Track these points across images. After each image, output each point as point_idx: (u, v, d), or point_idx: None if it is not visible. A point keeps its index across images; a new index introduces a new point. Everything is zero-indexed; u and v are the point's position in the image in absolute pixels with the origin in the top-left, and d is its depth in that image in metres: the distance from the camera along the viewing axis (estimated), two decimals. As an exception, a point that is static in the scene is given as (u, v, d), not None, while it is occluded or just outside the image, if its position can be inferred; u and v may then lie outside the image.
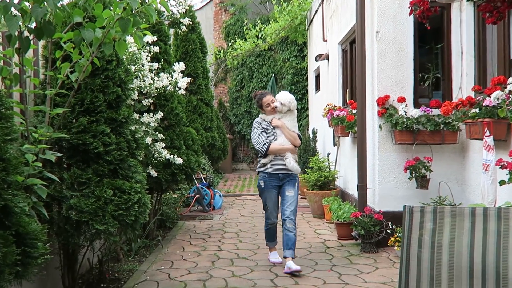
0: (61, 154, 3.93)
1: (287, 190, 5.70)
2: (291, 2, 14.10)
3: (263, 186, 5.76)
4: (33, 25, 3.16)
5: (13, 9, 2.91)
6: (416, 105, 6.50)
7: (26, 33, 3.16)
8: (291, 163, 5.64)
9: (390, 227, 6.32)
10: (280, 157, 5.69)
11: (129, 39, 5.45)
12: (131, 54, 5.87)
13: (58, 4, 3.04)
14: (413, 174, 6.16)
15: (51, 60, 3.94)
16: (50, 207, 4.19)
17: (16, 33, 3.04)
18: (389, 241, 6.09)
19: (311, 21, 13.06)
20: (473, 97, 5.48)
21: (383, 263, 5.85)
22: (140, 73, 6.08)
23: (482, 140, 4.73)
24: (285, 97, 5.73)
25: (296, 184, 5.78)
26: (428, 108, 6.16)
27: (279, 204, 5.84)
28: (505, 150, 4.89)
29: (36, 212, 3.17)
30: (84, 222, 4.15)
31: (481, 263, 2.29)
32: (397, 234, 6.01)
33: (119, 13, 3.36)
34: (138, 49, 5.93)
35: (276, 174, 5.70)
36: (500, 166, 4.36)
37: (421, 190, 6.20)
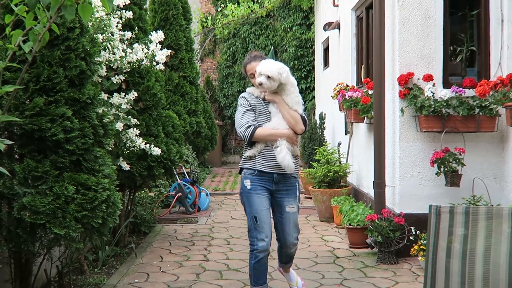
0: (12, 142, 3.89)
1: (287, 204, 4.91)
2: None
3: (248, 188, 4.81)
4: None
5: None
6: (446, 84, 6.50)
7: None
8: (282, 154, 4.69)
9: (413, 232, 6.34)
10: (271, 149, 4.78)
11: (96, 1, 5.41)
12: (98, 20, 5.85)
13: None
14: (442, 169, 6.17)
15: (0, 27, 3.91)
16: (-1, 207, 4.19)
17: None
18: (412, 249, 6.11)
19: (319, -19, 13.03)
20: (516, 75, 5.49)
21: (404, 277, 5.88)
22: (109, 43, 6.05)
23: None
24: (270, 68, 4.71)
25: (298, 194, 5.02)
26: (461, 89, 6.17)
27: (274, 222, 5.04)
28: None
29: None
30: (40, 225, 4.15)
31: (522, 276, 2.30)
32: (421, 241, 6.03)
33: (83, -31, 3.34)
34: (106, 14, 5.90)
35: (268, 174, 4.80)
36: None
37: (451, 188, 6.22)
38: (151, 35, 6.73)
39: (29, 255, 4.55)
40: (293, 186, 4.96)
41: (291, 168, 4.76)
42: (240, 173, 4.96)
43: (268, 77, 4.71)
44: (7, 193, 4.15)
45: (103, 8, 5.61)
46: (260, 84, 4.75)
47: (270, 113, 4.89)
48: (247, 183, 4.83)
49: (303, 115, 4.95)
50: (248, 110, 4.86)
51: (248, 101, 4.90)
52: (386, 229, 6.29)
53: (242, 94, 5.01)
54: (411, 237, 6.35)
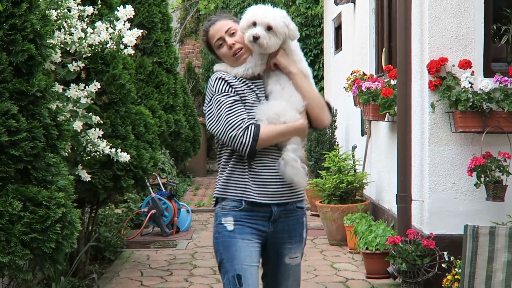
0: None
1: (288, 253, 3.83)
2: None
3: (230, 230, 3.70)
4: None
5: None
6: (488, 73, 6.52)
7: None
8: (295, 165, 3.67)
9: (446, 259, 6.35)
10: (274, 154, 3.73)
11: (48, -31, 5.42)
12: (50, -8, 5.85)
13: None
14: (482, 179, 6.17)
15: None
16: None
17: None
18: (445, 280, 6.12)
19: None
20: None
21: (435, 314, 5.89)
22: (65, 21, 6.06)
23: None
24: (273, 14, 3.73)
25: (305, 235, 3.97)
26: (506, 78, 6.20)
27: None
28: None
29: None
30: (-21, 250, 4.15)
31: None
32: (456, 269, 6.05)
33: None
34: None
35: (264, 207, 3.71)
36: None
37: (493, 202, 6.23)
38: (117, 10, 6.74)
39: (-36, 288, 4.56)
40: (299, 223, 3.86)
41: (304, 185, 3.81)
42: (215, 205, 3.84)
43: (269, 28, 3.64)
44: None
45: (57, -23, 5.61)
46: (256, 39, 3.62)
47: (265, 98, 3.78)
48: (228, 222, 3.69)
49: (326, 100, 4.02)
50: (236, 100, 3.67)
51: (230, 84, 3.70)
52: (412, 254, 6.31)
53: (218, 74, 3.76)
54: (443, 265, 6.36)
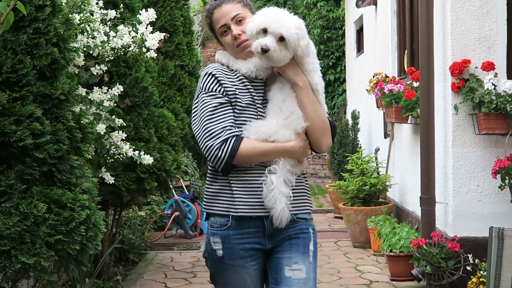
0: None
1: (288, 263, 3.20)
2: None
3: (219, 256, 3.21)
4: None
5: None
6: (511, 74, 6.49)
7: None
8: (275, 191, 3.10)
9: (471, 261, 6.31)
10: (259, 171, 3.19)
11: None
12: (74, -4, 5.88)
13: None
14: (507, 181, 6.13)
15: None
16: (-48, 230, 4.22)
17: None
18: (470, 283, 6.08)
19: None
20: None
21: (459, 317, 5.86)
22: (88, 25, 6.08)
23: None
24: (287, 23, 3.14)
25: (314, 247, 3.31)
26: (530, 80, 6.16)
27: None
28: None
29: None
30: (4, 252, 4.17)
31: None
32: (481, 272, 6.00)
33: None
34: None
35: (255, 221, 3.18)
36: None
37: (518, 204, 6.20)
38: (140, 14, 6.76)
39: (-11, 290, 4.59)
40: (303, 232, 3.26)
41: (284, 221, 3.12)
42: (206, 219, 3.39)
43: (281, 38, 3.09)
44: (-38, 212, 4.19)
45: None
46: (265, 51, 3.07)
47: (265, 103, 3.26)
48: (217, 245, 3.20)
49: (330, 119, 3.43)
50: (222, 103, 3.15)
51: (220, 82, 3.18)
52: (437, 257, 6.28)
53: (211, 68, 3.26)
54: (468, 267, 6.31)
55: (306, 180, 3.44)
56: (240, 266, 3.15)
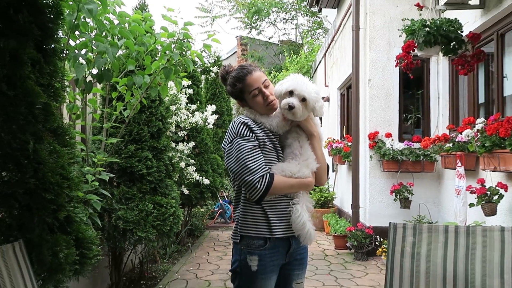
0: (113, 175, 3.98)
1: (296, 279, 2.40)
2: (299, 54, 14.25)
3: (254, 270, 2.25)
4: (95, 71, 3.26)
5: (80, 58, 3.02)
6: (401, 139, 6.49)
7: (89, 78, 3.26)
8: (303, 218, 2.26)
9: (378, 239, 6.25)
10: (286, 201, 2.29)
11: (170, 83, 5.54)
12: (171, 95, 5.96)
13: (116, 55, 3.14)
14: (398, 196, 6.10)
15: (108, 99, 4.03)
16: (102, 217, 4.23)
17: (82, 78, 3.13)
18: (377, 251, 6.02)
19: (316, 70, 13.16)
20: (448, 134, 5.47)
21: (372, 270, 5.76)
22: (179, 111, 6.16)
23: (455, 169, 4.72)
24: (309, 88, 2.34)
25: (306, 264, 2.48)
26: (411, 142, 6.15)
27: None
28: (474, 178, 4.85)
29: (92, 221, 3.21)
30: (129, 230, 4.18)
31: (452, 271, 2.28)
32: (384, 245, 5.94)
33: (164, 63, 3.46)
34: (177, 91, 6.03)
35: (284, 241, 2.30)
36: (469, 192, 4.33)
37: (404, 209, 6.13)
38: (207, 107, 6.80)
39: (121, 250, 4.57)
40: (306, 251, 2.44)
41: (312, 239, 2.30)
42: (238, 242, 2.29)
43: (303, 99, 2.30)
44: (108, 208, 4.20)
45: (175, 87, 5.73)
46: (291, 108, 2.27)
47: (280, 149, 2.34)
48: (253, 262, 2.24)
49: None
50: (255, 145, 2.23)
51: (251, 130, 2.26)
52: (360, 236, 6.21)
53: (241, 119, 2.31)
54: (377, 243, 6.25)
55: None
56: (268, 279, 2.24)
